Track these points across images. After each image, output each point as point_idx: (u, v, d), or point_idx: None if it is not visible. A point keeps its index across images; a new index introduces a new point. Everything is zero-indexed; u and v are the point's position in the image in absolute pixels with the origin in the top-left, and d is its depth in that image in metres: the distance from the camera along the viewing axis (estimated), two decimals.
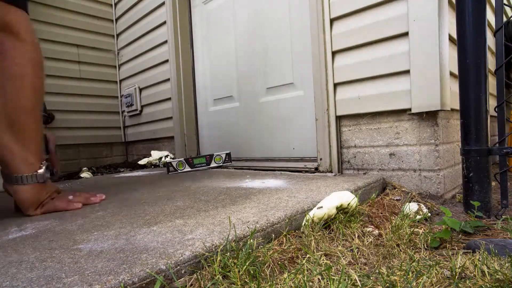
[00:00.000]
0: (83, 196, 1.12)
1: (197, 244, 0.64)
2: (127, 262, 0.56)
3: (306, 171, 1.51)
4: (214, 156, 1.92)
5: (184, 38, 2.25)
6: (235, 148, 2.07)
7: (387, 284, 0.56)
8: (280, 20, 1.74)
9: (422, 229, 0.84)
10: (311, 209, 0.89)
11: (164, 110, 2.39)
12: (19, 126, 0.93)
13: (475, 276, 0.58)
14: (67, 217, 0.94)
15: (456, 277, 0.59)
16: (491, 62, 1.21)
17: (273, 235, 0.77)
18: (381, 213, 1.00)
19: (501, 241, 0.72)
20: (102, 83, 2.80)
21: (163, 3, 2.28)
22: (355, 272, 0.62)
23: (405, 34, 1.18)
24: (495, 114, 1.06)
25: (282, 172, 1.59)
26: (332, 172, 1.43)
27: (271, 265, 0.65)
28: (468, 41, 0.98)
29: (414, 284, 0.56)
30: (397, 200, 1.13)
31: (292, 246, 0.73)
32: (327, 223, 0.86)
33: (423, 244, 0.78)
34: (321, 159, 1.45)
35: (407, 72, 1.19)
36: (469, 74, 0.98)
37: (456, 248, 0.76)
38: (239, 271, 0.58)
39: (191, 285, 0.57)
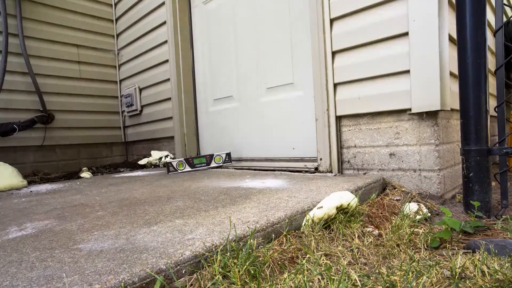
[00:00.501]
0: None
1: (197, 244, 0.64)
2: (127, 262, 0.56)
3: (306, 171, 1.51)
4: (214, 156, 1.92)
5: (184, 38, 2.25)
6: (235, 148, 2.07)
7: (387, 284, 0.56)
8: (280, 20, 1.73)
9: (422, 229, 0.84)
10: (311, 209, 0.89)
11: (164, 110, 2.39)
12: None
13: (475, 276, 0.58)
14: (67, 217, 0.94)
15: (456, 277, 0.59)
16: (491, 62, 1.21)
17: (273, 235, 0.77)
18: (381, 213, 1.00)
19: (501, 241, 0.72)
20: (102, 83, 2.79)
21: (163, 3, 2.28)
22: (355, 272, 0.62)
23: (405, 34, 1.18)
24: (495, 114, 1.06)
25: (282, 172, 1.59)
26: (332, 172, 1.43)
27: (271, 265, 0.65)
28: (468, 41, 0.98)
29: (414, 284, 0.56)
30: (397, 200, 1.13)
31: (292, 246, 0.73)
32: (327, 223, 0.86)
33: (423, 244, 0.78)
34: (321, 159, 1.45)
35: (407, 72, 1.19)
36: (469, 74, 0.98)
37: (456, 248, 0.76)
38: (239, 271, 0.58)
39: (191, 285, 0.57)
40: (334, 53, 1.39)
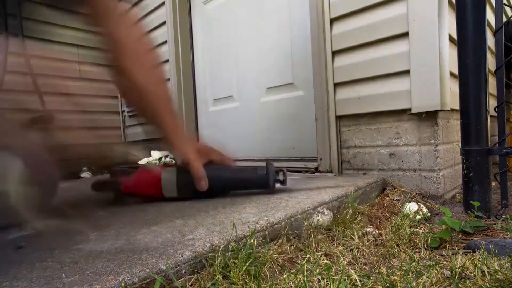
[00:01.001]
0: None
1: (197, 244, 0.64)
2: (127, 262, 0.56)
3: (306, 171, 1.51)
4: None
5: (184, 38, 2.25)
6: (235, 148, 2.07)
7: (387, 284, 0.56)
8: (280, 20, 1.73)
9: (422, 229, 0.84)
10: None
11: None
12: None
13: (475, 276, 0.58)
14: (67, 217, 0.94)
15: (456, 277, 0.59)
16: (491, 62, 1.21)
17: (274, 235, 0.77)
18: (381, 213, 1.00)
19: (501, 241, 0.72)
20: (102, 83, 2.79)
21: (163, 3, 2.28)
22: (355, 272, 0.62)
23: (405, 34, 1.18)
24: (495, 114, 1.06)
25: None
26: (332, 172, 1.43)
27: (271, 265, 0.65)
28: (468, 41, 0.98)
29: (414, 284, 0.56)
30: (397, 200, 1.13)
31: (293, 247, 0.73)
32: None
33: (423, 244, 0.78)
34: (321, 159, 1.45)
35: (407, 72, 1.19)
36: (469, 74, 0.98)
37: (456, 248, 0.76)
38: (239, 271, 0.58)
39: (191, 285, 0.57)
40: (334, 53, 1.39)
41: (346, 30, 1.34)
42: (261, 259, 0.65)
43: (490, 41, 1.37)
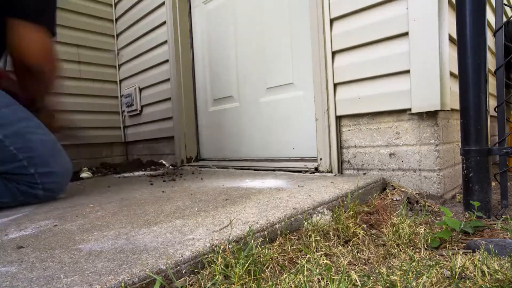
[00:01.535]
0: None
1: (197, 244, 0.64)
2: (127, 262, 0.56)
3: (306, 171, 1.51)
4: None
5: (184, 38, 2.25)
6: (235, 148, 2.07)
7: (387, 284, 0.56)
8: (280, 20, 1.73)
9: (422, 229, 0.84)
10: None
11: (164, 110, 2.39)
12: None
13: (475, 276, 0.58)
14: (67, 217, 0.94)
15: (456, 277, 0.59)
16: (491, 62, 1.21)
17: (273, 235, 0.77)
18: (381, 213, 1.00)
19: (501, 241, 0.72)
20: (102, 83, 2.79)
21: (163, 3, 2.28)
22: (355, 272, 0.62)
23: (405, 34, 1.18)
24: (495, 114, 1.06)
25: (282, 172, 1.59)
26: (332, 172, 1.43)
27: (271, 265, 0.65)
28: (468, 41, 0.98)
29: (414, 284, 0.56)
30: (397, 200, 1.13)
31: (293, 247, 0.73)
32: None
33: (423, 244, 0.78)
34: (321, 159, 1.45)
35: (407, 72, 1.19)
36: (469, 74, 0.98)
37: (456, 248, 0.76)
38: (239, 271, 0.58)
39: (191, 285, 0.57)
40: (334, 53, 1.39)
41: (346, 30, 1.34)
42: (261, 259, 0.65)
43: (490, 41, 1.37)
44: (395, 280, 0.57)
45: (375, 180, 1.22)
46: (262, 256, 0.66)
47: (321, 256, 0.70)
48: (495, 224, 0.90)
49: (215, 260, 0.60)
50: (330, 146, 1.42)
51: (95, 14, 2.73)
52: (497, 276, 0.57)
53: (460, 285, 0.56)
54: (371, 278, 0.59)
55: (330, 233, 0.82)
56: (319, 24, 1.40)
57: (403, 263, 0.65)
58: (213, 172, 1.79)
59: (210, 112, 2.23)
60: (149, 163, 2.54)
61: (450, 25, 1.14)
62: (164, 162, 2.10)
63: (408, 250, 0.74)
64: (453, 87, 1.21)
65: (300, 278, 0.58)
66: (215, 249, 0.63)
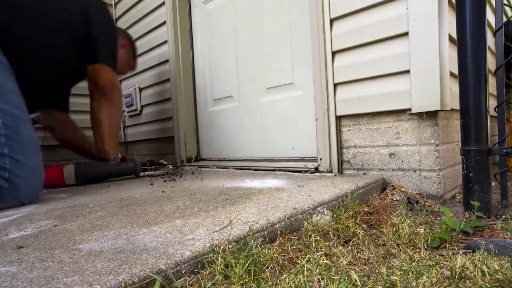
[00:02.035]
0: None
1: (197, 244, 0.64)
2: (127, 262, 0.56)
3: (306, 171, 1.51)
4: None
5: (184, 38, 2.25)
6: (235, 148, 2.07)
7: (387, 284, 0.56)
8: (280, 20, 1.73)
9: (422, 229, 0.84)
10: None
11: (164, 110, 2.39)
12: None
13: (475, 276, 0.58)
14: (67, 217, 0.94)
15: (456, 277, 0.59)
16: (491, 62, 1.21)
17: (273, 235, 0.77)
18: (381, 213, 1.00)
19: (501, 241, 0.72)
20: None
21: (163, 3, 2.28)
22: (355, 272, 0.62)
23: (405, 34, 1.18)
24: (495, 114, 1.06)
25: (282, 172, 1.59)
26: (332, 172, 1.43)
27: (271, 265, 0.65)
28: (468, 41, 0.98)
29: (414, 284, 0.56)
30: (397, 200, 1.13)
31: (293, 247, 0.73)
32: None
33: (423, 244, 0.78)
34: (321, 159, 1.45)
35: (407, 72, 1.19)
36: (469, 74, 0.98)
37: (456, 248, 0.76)
38: (239, 271, 0.58)
39: (191, 285, 0.57)
40: (334, 53, 1.39)
41: (346, 30, 1.34)
42: (261, 259, 0.65)
43: (490, 41, 1.37)
44: (395, 280, 0.57)
45: (375, 180, 1.22)
46: (262, 256, 0.66)
47: (321, 256, 0.70)
48: (495, 224, 0.90)
49: (215, 260, 0.60)
50: (330, 146, 1.42)
51: None
52: (497, 276, 0.57)
53: (460, 285, 0.56)
54: (371, 278, 0.59)
55: (330, 233, 0.82)
56: (319, 24, 1.40)
57: (403, 263, 0.65)
58: (213, 172, 1.79)
59: (210, 112, 2.23)
60: (149, 163, 2.54)
61: (450, 25, 1.14)
62: (164, 162, 2.11)
63: (408, 250, 0.74)
64: (453, 87, 1.21)
65: (300, 278, 0.58)
66: (215, 249, 0.63)
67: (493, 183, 1.08)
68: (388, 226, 0.89)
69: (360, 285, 0.56)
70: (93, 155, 1.82)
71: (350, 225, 0.85)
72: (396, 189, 1.22)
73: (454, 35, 1.07)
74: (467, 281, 0.56)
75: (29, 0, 1.43)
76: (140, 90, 2.63)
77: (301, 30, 1.62)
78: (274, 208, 0.88)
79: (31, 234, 0.79)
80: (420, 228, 0.86)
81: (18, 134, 1.16)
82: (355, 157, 1.39)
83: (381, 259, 0.71)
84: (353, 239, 0.81)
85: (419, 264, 0.64)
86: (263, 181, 1.35)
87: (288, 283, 0.57)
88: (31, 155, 1.19)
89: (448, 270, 0.62)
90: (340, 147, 1.43)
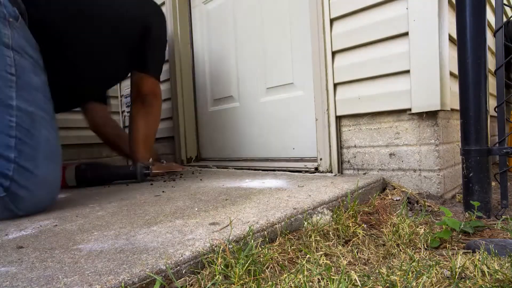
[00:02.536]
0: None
1: (197, 244, 0.64)
2: (127, 262, 0.56)
3: (306, 171, 1.51)
4: None
5: (184, 38, 2.25)
6: (235, 148, 2.07)
7: (387, 284, 0.57)
8: (280, 20, 1.74)
9: (422, 229, 0.84)
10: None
11: (164, 110, 2.39)
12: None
13: (475, 276, 0.58)
14: (67, 217, 0.94)
15: (456, 277, 0.59)
16: (491, 62, 1.21)
17: (273, 235, 0.77)
18: (381, 213, 1.00)
19: (501, 241, 0.72)
20: None
21: (163, 3, 2.28)
22: (355, 272, 0.62)
23: (405, 34, 1.18)
24: (495, 114, 1.06)
25: (282, 172, 1.59)
26: (332, 172, 1.43)
27: (271, 265, 0.65)
28: (468, 41, 0.98)
29: (414, 284, 0.56)
30: (397, 200, 1.13)
31: (293, 247, 0.73)
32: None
33: (423, 244, 0.78)
34: (321, 159, 1.45)
35: (407, 72, 1.19)
36: (469, 74, 0.98)
37: (456, 248, 0.76)
38: (239, 271, 0.58)
39: (191, 285, 0.57)
40: (334, 53, 1.39)
41: (346, 30, 1.34)
42: (261, 259, 0.65)
43: (490, 41, 1.37)
44: (395, 280, 0.57)
45: (375, 180, 1.22)
46: (262, 256, 0.66)
47: (321, 256, 0.70)
48: (495, 224, 0.90)
49: (215, 260, 0.60)
50: (330, 146, 1.42)
51: None
52: (497, 276, 0.57)
53: (460, 285, 0.56)
54: (371, 278, 0.59)
55: (330, 233, 0.82)
56: (319, 24, 1.40)
57: (403, 263, 0.65)
58: (213, 172, 1.79)
59: (210, 112, 2.23)
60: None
61: (450, 25, 1.14)
62: (164, 162, 2.11)
63: (408, 250, 0.74)
64: (453, 87, 1.21)
65: (300, 278, 0.58)
66: (215, 249, 0.63)
67: (493, 183, 1.08)
68: (388, 226, 0.89)
69: (360, 285, 0.56)
70: (126, 154, 1.91)
71: (350, 225, 0.85)
72: (396, 189, 1.22)
73: (454, 35, 1.07)
74: (467, 281, 0.56)
75: (95, 8, 1.45)
76: None
77: (301, 30, 1.62)
78: (274, 208, 0.88)
79: (31, 234, 0.79)
80: (420, 228, 0.86)
81: (33, 137, 1.00)
82: (355, 157, 1.39)
83: (381, 259, 0.71)
84: (353, 239, 0.81)
85: (419, 264, 0.64)
86: (263, 181, 1.35)
87: (288, 283, 0.57)
88: (45, 163, 1.03)
89: (448, 270, 0.62)
90: (340, 147, 1.43)
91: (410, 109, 1.20)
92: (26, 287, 0.49)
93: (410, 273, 0.59)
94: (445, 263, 0.66)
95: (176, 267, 0.57)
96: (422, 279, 0.57)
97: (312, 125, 1.55)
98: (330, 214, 0.91)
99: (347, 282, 0.56)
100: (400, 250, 0.75)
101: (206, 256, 0.61)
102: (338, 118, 1.42)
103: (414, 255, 0.70)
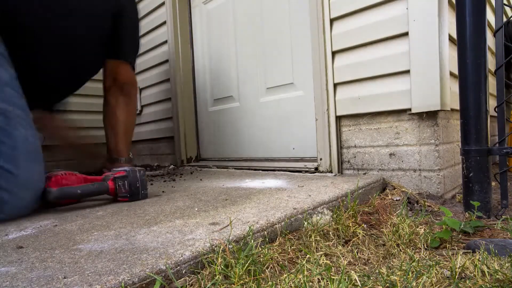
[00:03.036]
0: None
1: (197, 244, 0.64)
2: (127, 262, 0.56)
3: (306, 171, 1.51)
4: None
5: (184, 38, 2.25)
6: (235, 148, 2.07)
7: (387, 284, 0.56)
8: (280, 20, 1.73)
9: (422, 229, 0.84)
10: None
11: (164, 110, 2.39)
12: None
13: (475, 276, 0.58)
14: (67, 217, 0.94)
15: (456, 277, 0.59)
16: (491, 62, 1.21)
17: (273, 235, 0.77)
18: (381, 213, 1.00)
19: (501, 241, 0.72)
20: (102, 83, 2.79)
21: (163, 3, 2.28)
22: (355, 272, 0.62)
23: (405, 34, 1.18)
24: (495, 114, 1.06)
25: (282, 172, 1.59)
26: (332, 172, 1.43)
27: (271, 265, 0.65)
28: (468, 41, 0.98)
29: (414, 284, 0.56)
30: (397, 200, 1.13)
31: (293, 247, 0.73)
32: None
33: (423, 244, 0.78)
34: (321, 159, 1.45)
35: (407, 72, 1.19)
36: (469, 74, 0.98)
37: (456, 248, 0.76)
38: (239, 271, 0.58)
39: (191, 285, 0.57)
40: (334, 53, 1.39)
41: (346, 30, 1.34)
42: (261, 259, 0.65)
43: (490, 41, 1.37)
44: (395, 280, 0.57)
45: (375, 180, 1.22)
46: (262, 256, 0.66)
47: (321, 256, 0.70)
48: (495, 224, 0.90)
49: (215, 260, 0.60)
50: (330, 146, 1.42)
51: None
52: (497, 276, 0.57)
53: (460, 285, 0.56)
54: (371, 278, 0.59)
55: (330, 233, 0.82)
56: (319, 24, 1.40)
57: (403, 263, 0.65)
58: (213, 172, 1.79)
59: (210, 112, 2.23)
60: (145, 167, 2.54)
61: (450, 25, 1.14)
62: (157, 166, 2.11)
63: (408, 250, 0.74)
64: (453, 87, 1.21)
65: (300, 278, 0.58)
66: (215, 249, 0.63)
67: (493, 183, 1.08)
68: (388, 226, 0.89)
69: (360, 285, 0.56)
70: (93, 154, 1.75)
71: (350, 225, 0.85)
72: (396, 189, 1.22)
73: (454, 35, 1.07)
74: (467, 281, 0.56)
75: None
76: (140, 90, 2.63)
77: (301, 30, 1.62)
78: (274, 208, 0.88)
79: (31, 234, 0.79)
80: (420, 228, 0.86)
81: (11, 136, 0.95)
82: (355, 157, 1.39)
83: (381, 259, 0.71)
84: (353, 239, 0.81)
85: (419, 264, 0.64)
86: (263, 181, 1.35)
87: (288, 283, 0.57)
88: (26, 164, 0.97)
89: (448, 270, 0.62)
90: (340, 147, 1.43)
91: (410, 109, 1.20)
92: (26, 287, 0.49)
93: (410, 273, 0.59)
94: (445, 263, 0.66)
95: (176, 267, 0.57)
96: (422, 279, 0.57)
97: (312, 125, 1.55)
98: (330, 214, 0.91)
99: (347, 282, 0.56)
100: (400, 250, 0.75)
101: (206, 256, 0.61)
102: (338, 118, 1.41)
103: (414, 255, 0.70)
